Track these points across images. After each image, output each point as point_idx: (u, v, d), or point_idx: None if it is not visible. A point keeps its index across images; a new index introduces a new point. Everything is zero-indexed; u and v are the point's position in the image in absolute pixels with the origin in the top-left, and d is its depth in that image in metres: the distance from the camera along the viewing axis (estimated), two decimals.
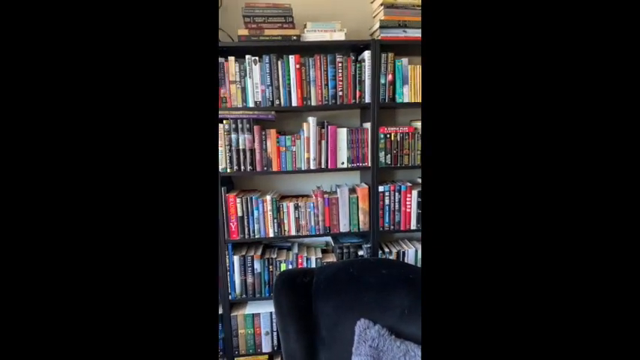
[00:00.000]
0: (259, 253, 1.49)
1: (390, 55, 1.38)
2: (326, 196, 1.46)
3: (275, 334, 1.53)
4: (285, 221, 1.47)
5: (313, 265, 1.50)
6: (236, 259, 1.46)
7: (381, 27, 1.36)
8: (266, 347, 1.54)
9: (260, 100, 1.37)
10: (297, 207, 1.46)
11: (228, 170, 1.39)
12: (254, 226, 1.45)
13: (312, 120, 1.39)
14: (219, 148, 1.37)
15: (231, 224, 1.43)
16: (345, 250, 1.52)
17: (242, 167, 1.40)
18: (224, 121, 1.36)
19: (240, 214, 1.43)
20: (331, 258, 1.54)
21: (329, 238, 1.67)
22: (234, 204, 1.42)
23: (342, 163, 1.45)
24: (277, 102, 1.37)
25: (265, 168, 1.41)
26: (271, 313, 1.51)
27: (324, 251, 1.61)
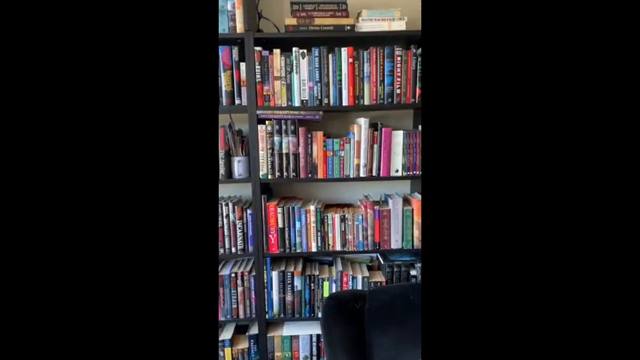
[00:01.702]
0: (299, 268, 1.34)
1: None
2: (377, 207, 1.30)
3: (315, 358, 1.37)
4: (330, 234, 1.31)
5: (359, 285, 1.34)
6: (274, 274, 1.32)
7: None
8: None
9: (307, 98, 1.22)
10: (343, 219, 1.30)
11: (270, 177, 1.25)
12: (295, 239, 1.30)
13: (363, 121, 1.23)
14: (260, 152, 1.23)
15: (270, 236, 1.29)
16: (395, 269, 1.35)
17: (284, 174, 1.25)
18: (266, 122, 1.22)
19: (280, 225, 1.28)
20: (379, 277, 1.37)
21: (374, 253, 1.50)
22: (274, 214, 1.28)
23: (397, 171, 1.27)
24: (326, 101, 1.22)
25: (310, 175, 1.26)
26: (311, 335, 1.36)
27: (369, 268, 1.44)
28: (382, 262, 1.38)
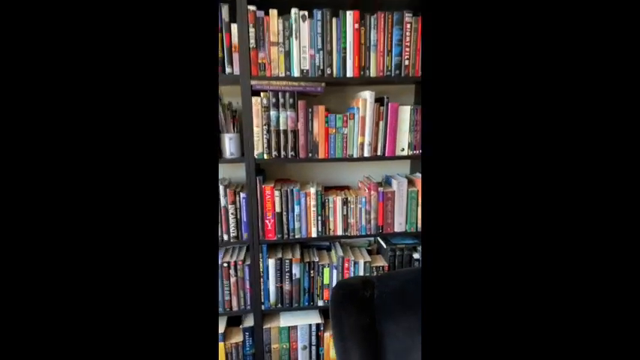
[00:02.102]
0: (298, 255, 1.24)
1: None
2: (381, 189, 1.22)
3: (314, 348, 1.31)
4: (331, 219, 1.22)
5: (361, 271, 1.27)
6: (271, 262, 1.22)
7: None
8: None
9: (308, 68, 1.09)
10: (345, 202, 1.21)
11: (265, 156, 1.12)
12: (294, 225, 1.19)
13: (369, 95, 1.12)
14: (255, 128, 1.10)
15: (267, 221, 1.18)
16: (398, 253, 1.29)
17: (282, 153, 1.13)
18: (261, 94, 1.08)
19: (278, 209, 1.17)
20: (380, 261, 1.31)
21: (376, 237, 1.44)
22: (271, 197, 1.16)
23: (402, 150, 1.19)
24: (328, 71, 1.10)
25: (310, 154, 1.15)
26: (310, 325, 1.29)
27: (368, 252, 1.38)
28: (384, 245, 1.32)
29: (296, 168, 1.38)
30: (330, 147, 1.15)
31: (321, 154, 1.15)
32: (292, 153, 1.13)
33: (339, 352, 0.96)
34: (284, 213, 1.18)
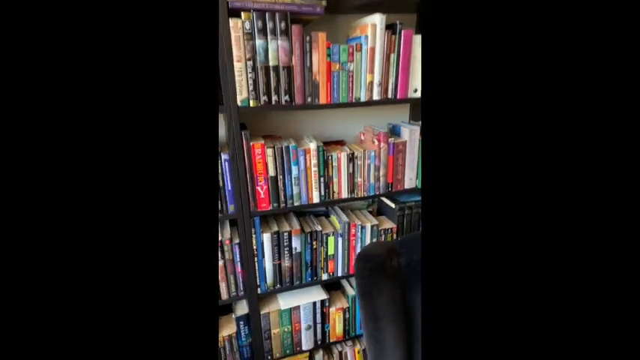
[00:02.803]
0: (297, 226, 1.03)
1: None
2: (391, 140, 1.02)
3: (319, 326, 1.16)
4: (335, 180, 1.01)
5: (368, 236, 1.11)
6: (266, 237, 0.99)
7: None
8: (307, 344, 1.17)
9: None
10: (352, 158, 1.00)
11: (252, 103, 0.85)
12: (291, 190, 0.97)
13: (379, 19, 0.88)
14: (236, 64, 0.81)
15: (258, 189, 0.93)
16: (407, 212, 1.15)
17: (273, 98, 0.86)
18: (242, 15, 0.78)
19: (272, 173, 0.93)
20: (388, 223, 1.16)
21: (385, 197, 1.27)
22: (262, 158, 0.90)
23: (415, 91, 1.00)
24: None
25: (309, 99, 0.90)
26: (314, 303, 1.12)
27: (369, 213, 1.22)
28: (392, 205, 1.16)
29: (281, 120, 1.12)
30: (332, 89, 0.91)
31: (323, 99, 0.91)
32: (287, 98, 0.87)
33: (371, 334, 0.81)
34: (279, 176, 0.94)
